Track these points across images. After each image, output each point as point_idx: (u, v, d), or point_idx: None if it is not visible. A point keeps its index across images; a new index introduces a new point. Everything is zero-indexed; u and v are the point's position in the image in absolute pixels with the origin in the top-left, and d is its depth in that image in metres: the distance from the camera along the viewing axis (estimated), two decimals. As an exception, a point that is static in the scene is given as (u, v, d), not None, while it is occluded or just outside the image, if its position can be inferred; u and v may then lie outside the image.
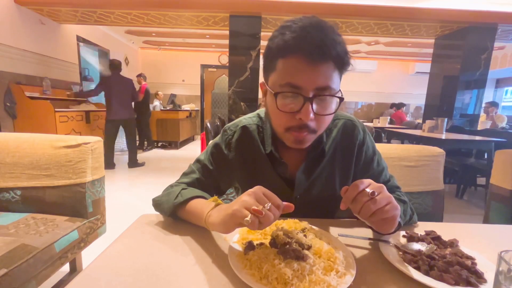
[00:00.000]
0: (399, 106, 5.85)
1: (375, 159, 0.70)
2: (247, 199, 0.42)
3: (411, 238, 0.54)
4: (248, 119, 0.71)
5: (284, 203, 0.44)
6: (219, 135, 0.72)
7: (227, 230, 0.46)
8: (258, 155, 0.67)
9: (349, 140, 0.68)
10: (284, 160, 0.64)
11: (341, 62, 0.52)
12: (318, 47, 0.48)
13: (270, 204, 0.41)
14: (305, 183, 0.67)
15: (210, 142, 0.74)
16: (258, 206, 0.41)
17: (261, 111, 0.72)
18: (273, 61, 0.54)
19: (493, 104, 4.53)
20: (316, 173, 0.66)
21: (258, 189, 0.44)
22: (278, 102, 0.53)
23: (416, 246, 0.50)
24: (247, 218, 0.40)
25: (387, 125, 4.56)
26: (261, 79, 0.63)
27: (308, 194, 0.68)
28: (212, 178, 0.69)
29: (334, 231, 0.57)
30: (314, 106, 0.51)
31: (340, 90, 0.54)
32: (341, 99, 0.53)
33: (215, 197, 0.54)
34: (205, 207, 0.52)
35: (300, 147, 0.58)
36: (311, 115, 0.51)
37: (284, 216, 0.49)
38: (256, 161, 0.68)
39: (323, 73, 0.50)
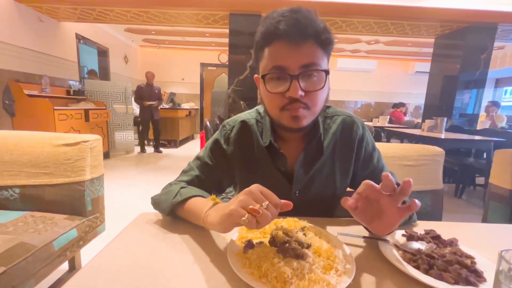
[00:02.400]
0: (399, 106, 5.85)
1: (375, 155, 0.70)
2: (244, 198, 0.42)
3: (411, 237, 0.54)
4: (247, 114, 0.71)
5: (282, 201, 0.42)
6: (218, 131, 0.72)
7: (225, 230, 0.46)
8: (257, 148, 0.67)
9: (349, 136, 0.68)
10: (283, 152, 0.64)
11: (321, 39, 0.54)
12: (295, 27, 0.52)
13: (267, 202, 0.41)
14: (304, 178, 0.66)
15: (209, 139, 0.73)
16: (256, 205, 0.40)
17: (260, 107, 0.72)
18: (260, 51, 0.58)
19: (495, 104, 4.54)
20: (315, 168, 0.66)
21: (255, 187, 0.43)
22: (267, 85, 0.56)
23: (416, 245, 0.50)
24: (244, 218, 0.39)
25: (387, 125, 4.56)
26: None
27: (308, 191, 0.67)
28: (212, 174, 0.69)
29: (334, 230, 0.57)
30: (302, 83, 0.54)
31: (329, 69, 0.56)
32: (327, 72, 0.56)
33: (213, 196, 0.54)
34: (203, 206, 0.52)
35: (297, 125, 0.58)
36: (300, 92, 0.53)
37: (284, 214, 0.49)
38: (255, 155, 0.67)
39: (305, 51, 0.53)
